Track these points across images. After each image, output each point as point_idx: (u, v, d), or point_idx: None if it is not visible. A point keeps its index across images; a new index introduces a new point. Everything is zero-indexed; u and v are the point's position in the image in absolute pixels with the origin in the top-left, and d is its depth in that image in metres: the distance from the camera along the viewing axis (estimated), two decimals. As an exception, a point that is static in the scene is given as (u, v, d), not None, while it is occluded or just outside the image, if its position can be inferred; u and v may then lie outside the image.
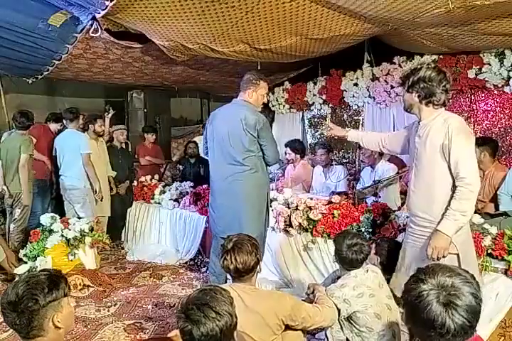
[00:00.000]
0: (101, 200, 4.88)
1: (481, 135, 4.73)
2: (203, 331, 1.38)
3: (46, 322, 1.48)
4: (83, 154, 4.61)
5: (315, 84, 6.34)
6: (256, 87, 3.25)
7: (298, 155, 5.06)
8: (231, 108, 3.33)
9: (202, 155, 3.29)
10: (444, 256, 2.13)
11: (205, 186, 4.89)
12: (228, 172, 3.18)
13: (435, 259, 2.14)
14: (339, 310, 2.19)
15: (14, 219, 4.55)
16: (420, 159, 2.32)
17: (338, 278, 2.46)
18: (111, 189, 5.23)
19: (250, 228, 3.02)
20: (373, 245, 2.63)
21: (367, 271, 2.33)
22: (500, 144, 4.45)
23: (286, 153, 5.12)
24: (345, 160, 6.16)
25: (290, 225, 3.72)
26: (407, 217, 3.06)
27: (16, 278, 3.71)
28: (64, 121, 4.90)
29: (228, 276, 2.64)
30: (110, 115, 5.55)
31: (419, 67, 2.34)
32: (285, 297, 2.12)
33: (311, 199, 3.79)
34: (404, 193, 4.45)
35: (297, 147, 5.11)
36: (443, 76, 2.33)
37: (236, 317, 1.47)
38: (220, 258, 2.10)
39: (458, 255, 2.22)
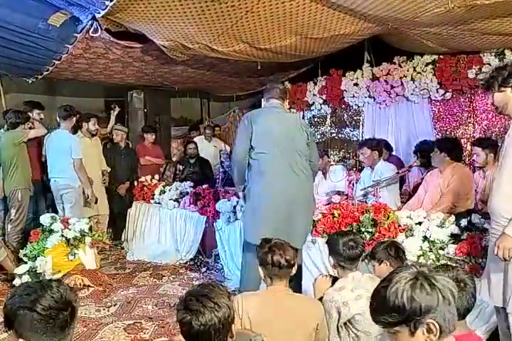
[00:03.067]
0: (95, 203, 4.83)
1: (481, 135, 4.73)
2: (202, 321, 1.41)
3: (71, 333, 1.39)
4: (75, 159, 4.52)
5: (315, 84, 6.34)
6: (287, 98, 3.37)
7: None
8: (278, 111, 3.19)
9: (237, 158, 3.08)
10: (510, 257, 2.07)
11: (205, 186, 4.89)
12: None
13: (503, 259, 2.07)
14: (339, 315, 2.17)
15: (11, 220, 4.55)
16: (506, 157, 2.23)
17: (332, 278, 2.46)
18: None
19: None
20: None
21: (362, 274, 2.34)
22: (500, 144, 4.45)
23: None
24: (345, 160, 6.15)
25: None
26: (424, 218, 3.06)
27: (16, 279, 3.71)
28: (58, 119, 4.72)
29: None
30: (116, 112, 5.66)
31: (502, 65, 2.27)
32: (321, 306, 2.21)
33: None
34: (407, 193, 4.46)
35: None
36: None
37: (233, 311, 1.51)
38: (265, 255, 2.14)
39: None
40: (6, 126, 4.61)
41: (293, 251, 2.21)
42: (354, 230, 3.23)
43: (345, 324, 2.20)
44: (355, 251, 2.32)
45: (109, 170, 5.31)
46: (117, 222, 5.49)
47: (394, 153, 5.07)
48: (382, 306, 1.21)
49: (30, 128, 4.64)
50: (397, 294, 1.17)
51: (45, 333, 1.29)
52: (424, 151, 4.24)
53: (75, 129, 4.90)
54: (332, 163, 5.25)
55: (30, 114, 4.81)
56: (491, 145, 3.77)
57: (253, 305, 2.02)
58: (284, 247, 2.18)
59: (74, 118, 4.68)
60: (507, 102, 2.22)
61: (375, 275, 2.45)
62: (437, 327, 1.16)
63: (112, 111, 5.78)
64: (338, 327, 2.21)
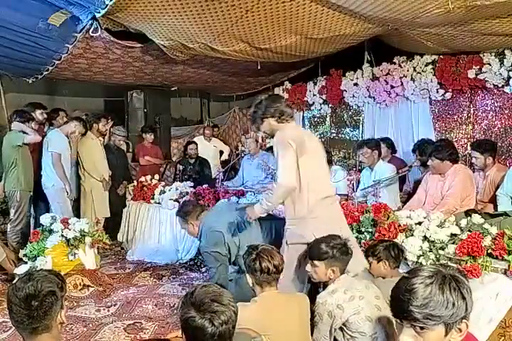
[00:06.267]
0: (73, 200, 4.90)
1: (481, 135, 4.74)
2: (223, 319, 1.40)
3: (55, 317, 1.53)
4: (52, 153, 4.63)
5: (315, 84, 6.34)
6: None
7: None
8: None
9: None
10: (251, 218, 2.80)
11: (205, 186, 4.89)
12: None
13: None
14: (331, 318, 2.16)
15: (10, 220, 4.57)
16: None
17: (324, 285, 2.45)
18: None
19: None
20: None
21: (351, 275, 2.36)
22: (500, 144, 4.46)
23: None
24: (345, 161, 6.16)
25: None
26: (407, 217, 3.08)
27: (17, 278, 3.71)
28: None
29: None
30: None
31: (256, 102, 2.88)
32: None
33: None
34: (407, 193, 4.46)
35: None
36: (277, 97, 2.92)
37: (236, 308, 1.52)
38: (253, 262, 2.13)
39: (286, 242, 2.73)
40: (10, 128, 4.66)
41: (280, 256, 2.19)
42: (354, 230, 3.23)
43: (340, 328, 2.19)
44: (349, 256, 2.31)
45: (109, 173, 5.30)
46: (114, 222, 5.47)
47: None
48: (424, 301, 1.16)
49: (32, 128, 4.67)
50: (445, 290, 1.15)
51: (20, 322, 1.48)
52: (423, 150, 4.23)
53: (84, 130, 4.96)
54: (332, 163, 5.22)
55: (33, 115, 4.83)
56: (488, 148, 3.77)
57: (253, 316, 1.99)
58: (271, 253, 2.17)
59: (60, 119, 5.12)
60: (271, 128, 2.78)
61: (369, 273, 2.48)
62: (467, 327, 1.16)
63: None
64: (331, 330, 2.20)
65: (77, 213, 4.88)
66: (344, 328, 2.17)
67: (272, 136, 2.82)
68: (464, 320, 1.16)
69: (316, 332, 2.23)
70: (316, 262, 2.33)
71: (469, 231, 2.78)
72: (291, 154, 2.61)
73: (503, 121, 4.62)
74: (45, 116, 5.04)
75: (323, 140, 6.50)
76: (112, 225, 5.35)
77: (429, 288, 1.17)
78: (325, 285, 2.42)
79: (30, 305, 1.46)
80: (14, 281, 1.59)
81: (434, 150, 3.64)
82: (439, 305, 1.14)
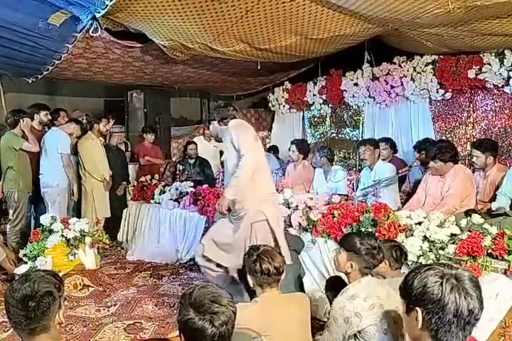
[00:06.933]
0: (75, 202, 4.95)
1: (481, 135, 4.74)
2: (224, 319, 1.39)
3: (53, 317, 1.52)
4: (63, 154, 4.67)
5: (315, 84, 6.35)
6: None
7: (301, 155, 5.03)
8: None
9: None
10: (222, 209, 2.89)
11: (205, 186, 4.89)
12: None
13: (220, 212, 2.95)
14: (346, 324, 2.08)
15: (9, 220, 4.57)
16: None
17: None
18: None
19: None
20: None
21: (373, 276, 2.28)
22: (500, 144, 4.46)
23: (290, 150, 5.06)
24: (345, 161, 6.16)
25: (290, 225, 3.72)
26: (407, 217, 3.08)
27: (17, 278, 3.71)
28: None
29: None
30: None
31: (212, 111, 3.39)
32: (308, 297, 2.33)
33: (311, 199, 3.78)
34: (407, 193, 4.47)
35: (304, 147, 5.08)
36: (225, 105, 3.29)
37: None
38: (253, 263, 2.12)
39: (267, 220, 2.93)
40: (9, 127, 4.65)
41: (281, 258, 2.17)
42: (354, 230, 3.23)
43: (353, 336, 2.14)
44: (377, 258, 2.25)
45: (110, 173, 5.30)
46: (116, 223, 5.47)
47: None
48: (404, 278, 1.33)
49: (35, 129, 4.70)
50: (419, 274, 1.26)
51: (18, 323, 1.48)
52: (424, 149, 4.23)
53: (84, 130, 4.95)
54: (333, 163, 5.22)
55: (37, 116, 4.84)
56: (489, 148, 3.76)
57: (253, 316, 1.98)
58: (272, 254, 2.15)
59: (61, 119, 5.14)
60: (215, 130, 3.21)
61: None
62: (420, 317, 1.24)
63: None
64: (344, 335, 2.16)
65: (77, 213, 4.89)
66: (357, 335, 2.10)
67: (218, 140, 3.31)
68: (417, 308, 1.24)
69: (327, 334, 2.17)
70: (341, 249, 2.31)
71: (469, 231, 2.78)
72: (252, 135, 2.98)
73: (503, 121, 4.62)
74: (50, 117, 5.03)
75: (323, 140, 6.51)
76: (112, 225, 5.34)
77: (415, 269, 1.32)
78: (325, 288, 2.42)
79: (28, 305, 1.46)
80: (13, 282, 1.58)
81: (437, 152, 3.59)
82: (405, 280, 1.30)
